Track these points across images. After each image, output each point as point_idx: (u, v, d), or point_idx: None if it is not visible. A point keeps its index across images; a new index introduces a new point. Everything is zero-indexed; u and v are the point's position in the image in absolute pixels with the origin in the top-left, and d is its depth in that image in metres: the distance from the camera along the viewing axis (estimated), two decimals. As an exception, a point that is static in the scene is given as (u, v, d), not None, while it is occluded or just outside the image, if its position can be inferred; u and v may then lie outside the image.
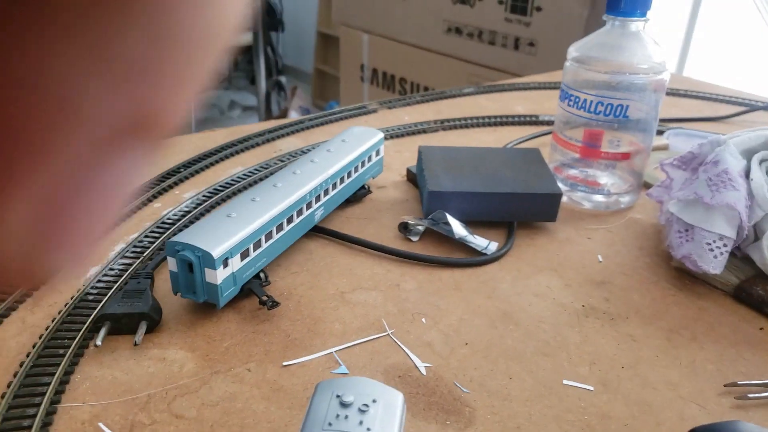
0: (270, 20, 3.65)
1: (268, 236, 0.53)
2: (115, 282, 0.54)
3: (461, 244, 0.62)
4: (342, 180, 0.64)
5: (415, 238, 0.63)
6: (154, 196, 0.69)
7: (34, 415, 0.40)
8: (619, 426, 0.42)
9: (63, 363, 0.44)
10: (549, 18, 1.55)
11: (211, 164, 0.78)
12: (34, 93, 0.10)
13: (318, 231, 0.63)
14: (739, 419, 0.37)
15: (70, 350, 0.46)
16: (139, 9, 0.11)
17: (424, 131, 0.93)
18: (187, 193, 0.70)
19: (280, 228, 0.55)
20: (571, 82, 0.67)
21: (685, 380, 0.46)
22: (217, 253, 0.47)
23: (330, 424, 0.31)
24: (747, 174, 0.56)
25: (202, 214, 0.66)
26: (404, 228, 0.63)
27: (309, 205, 0.59)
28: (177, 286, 0.50)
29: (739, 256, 0.58)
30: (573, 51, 0.68)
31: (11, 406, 0.41)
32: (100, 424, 0.40)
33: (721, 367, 0.48)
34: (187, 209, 0.66)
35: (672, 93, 1.14)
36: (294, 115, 1.00)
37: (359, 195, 0.70)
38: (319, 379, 0.44)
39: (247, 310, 0.52)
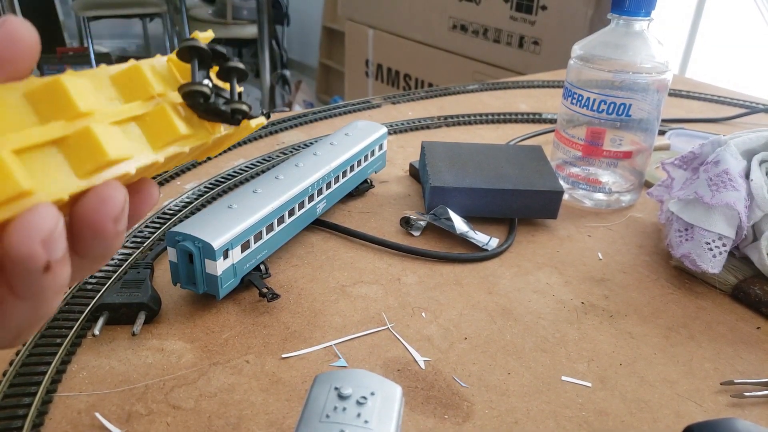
0: (276, 14, 3.64)
1: (269, 228, 0.53)
2: (115, 272, 0.54)
3: (462, 240, 0.62)
4: (344, 174, 0.64)
5: (416, 233, 0.63)
6: (156, 187, 0.69)
7: (30, 404, 0.40)
8: (616, 422, 0.42)
9: (60, 352, 0.44)
10: (554, 17, 1.55)
11: (213, 156, 0.78)
12: None
13: (320, 224, 0.63)
14: (735, 417, 0.37)
15: (68, 339, 0.46)
16: None
17: (428, 127, 0.93)
18: (188, 184, 0.71)
19: (281, 220, 0.55)
20: (575, 80, 0.67)
21: (683, 378, 0.46)
22: (217, 244, 0.47)
23: (328, 416, 0.31)
24: (747, 175, 0.56)
25: (203, 205, 0.66)
26: (406, 223, 0.63)
27: (311, 198, 0.59)
28: (177, 277, 0.50)
29: (737, 256, 0.58)
30: (577, 49, 0.68)
31: (6, 395, 0.41)
32: (97, 414, 0.40)
33: (719, 366, 0.48)
34: (188, 200, 0.66)
35: (674, 94, 1.13)
36: (298, 109, 1.00)
37: (361, 189, 0.70)
38: (317, 372, 0.44)
39: (246, 302, 0.52)
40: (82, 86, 0.23)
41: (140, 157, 0.24)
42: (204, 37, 0.28)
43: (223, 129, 0.29)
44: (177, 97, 0.26)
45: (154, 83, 0.26)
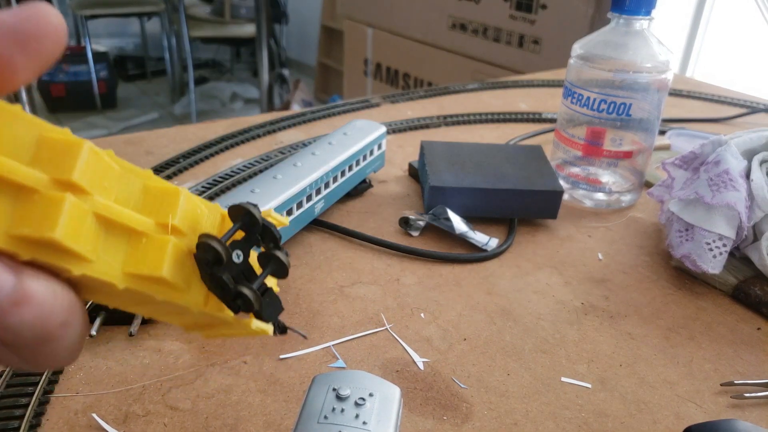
0: (274, 12, 3.64)
1: (267, 228, 0.53)
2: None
3: (462, 240, 0.62)
4: (343, 173, 0.64)
5: (415, 233, 0.63)
6: (154, 187, 0.69)
7: (27, 405, 0.40)
8: (616, 424, 0.42)
9: (58, 352, 0.44)
10: (554, 16, 1.55)
11: (211, 155, 0.78)
12: None
13: (318, 224, 0.63)
14: (735, 418, 0.36)
15: (66, 339, 0.45)
16: None
17: (427, 126, 0.92)
18: (186, 184, 0.70)
19: (279, 220, 0.54)
20: (575, 79, 0.67)
21: (683, 379, 0.46)
22: (215, 244, 0.47)
23: (326, 417, 0.30)
24: (748, 175, 0.56)
25: (201, 206, 0.65)
26: (405, 223, 0.63)
27: (309, 198, 0.58)
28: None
29: (738, 256, 0.58)
30: (577, 48, 0.67)
31: (3, 396, 0.40)
32: (94, 415, 0.40)
33: (719, 367, 0.48)
34: (186, 200, 0.66)
35: (674, 94, 1.13)
36: (296, 108, 1.00)
37: (360, 189, 0.70)
38: (316, 373, 0.44)
39: (244, 302, 0.52)
40: (100, 165, 0.20)
41: (97, 267, 0.20)
42: (271, 215, 0.24)
43: (218, 309, 0.24)
44: (193, 246, 0.23)
45: (180, 215, 0.22)
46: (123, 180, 0.21)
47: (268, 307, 0.25)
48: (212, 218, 0.24)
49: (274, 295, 0.25)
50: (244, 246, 0.24)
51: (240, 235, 0.24)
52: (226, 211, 0.24)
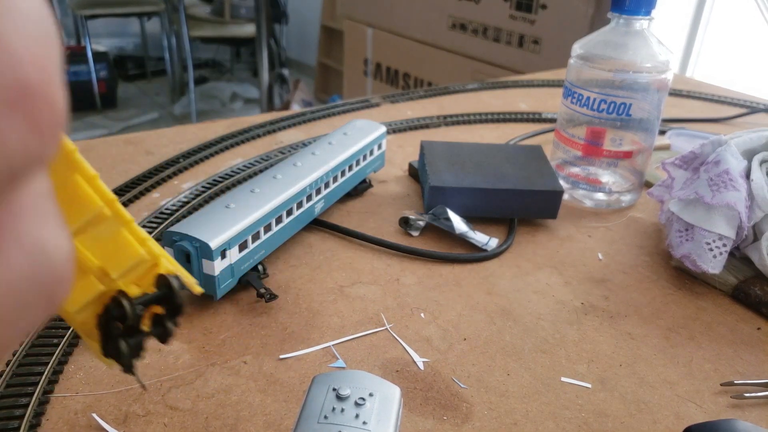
0: (274, 12, 3.64)
1: (267, 228, 0.53)
2: (113, 271, 0.53)
3: (462, 240, 0.62)
4: (343, 173, 0.64)
5: (415, 233, 0.63)
6: (153, 186, 0.69)
7: (26, 405, 0.40)
8: (616, 424, 0.42)
9: (56, 353, 0.44)
10: (554, 16, 1.55)
11: (211, 155, 0.78)
12: None
13: (318, 224, 0.63)
14: (735, 418, 0.36)
15: (64, 340, 0.45)
16: None
17: (427, 126, 0.92)
18: (185, 184, 0.70)
19: (279, 220, 0.54)
20: (575, 79, 0.67)
21: (683, 379, 0.46)
22: (215, 244, 0.47)
23: (326, 417, 0.30)
24: (748, 175, 0.56)
25: (201, 205, 0.65)
26: (405, 223, 0.63)
27: (309, 198, 0.58)
28: (174, 277, 0.49)
29: (738, 256, 0.58)
30: (577, 48, 0.67)
31: (3, 396, 0.40)
32: (94, 415, 0.40)
33: (719, 367, 0.48)
34: (185, 200, 0.66)
35: (674, 94, 1.13)
36: (296, 108, 1.01)
37: (360, 189, 0.69)
38: (316, 373, 0.44)
39: (244, 302, 0.52)
40: (99, 224, 0.22)
41: None
42: (192, 285, 0.27)
43: (88, 336, 0.27)
44: (119, 285, 0.25)
45: (125, 268, 0.24)
46: (104, 224, 0.23)
47: (128, 356, 0.27)
48: (148, 264, 0.26)
49: (141, 347, 0.27)
50: (148, 304, 0.26)
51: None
52: (162, 260, 0.26)
